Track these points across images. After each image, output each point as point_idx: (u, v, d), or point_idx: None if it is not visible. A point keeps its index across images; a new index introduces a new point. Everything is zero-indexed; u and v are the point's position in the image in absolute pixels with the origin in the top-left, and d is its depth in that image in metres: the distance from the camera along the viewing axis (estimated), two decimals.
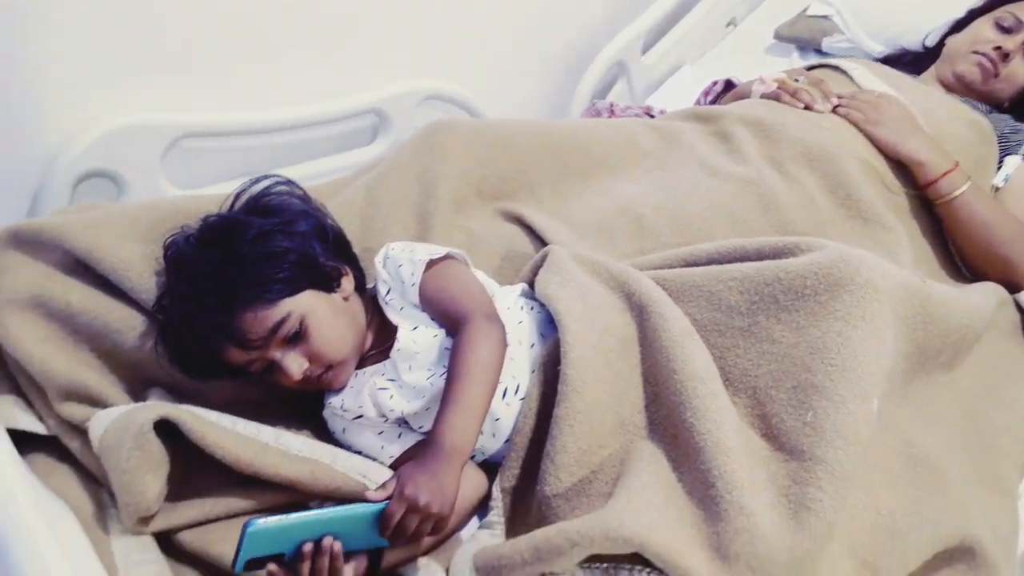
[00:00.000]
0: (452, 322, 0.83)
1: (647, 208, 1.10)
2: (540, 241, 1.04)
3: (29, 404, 0.83)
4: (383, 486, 0.72)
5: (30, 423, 0.81)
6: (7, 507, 0.53)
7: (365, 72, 1.39)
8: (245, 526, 0.63)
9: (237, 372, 0.83)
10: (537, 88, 1.77)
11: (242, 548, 0.64)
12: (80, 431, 0.79)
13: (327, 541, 0.67)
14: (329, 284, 0.86)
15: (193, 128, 1.16)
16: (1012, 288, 1.18)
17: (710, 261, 0.88)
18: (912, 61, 1.57)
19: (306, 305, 0.81)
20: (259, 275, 0.80)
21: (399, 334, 0.85)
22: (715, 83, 1.55)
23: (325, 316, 0.83)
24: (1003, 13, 1.41)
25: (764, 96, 1.34)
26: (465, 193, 1.10)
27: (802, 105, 1.28)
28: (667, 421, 0.76)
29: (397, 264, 0.88)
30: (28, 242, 0.86)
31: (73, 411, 0.80)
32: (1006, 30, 1.40)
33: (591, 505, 0.72)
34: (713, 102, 1.53)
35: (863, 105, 1.26)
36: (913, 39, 1.62)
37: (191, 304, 0.80)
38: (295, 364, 0.81)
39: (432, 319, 0.86)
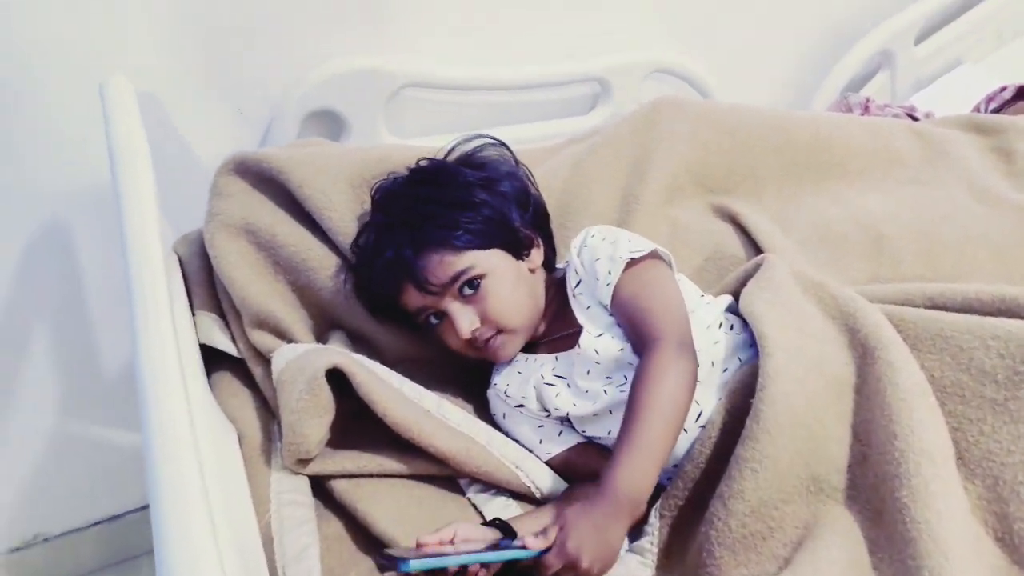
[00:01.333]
0: (641, 339, 0.74)
1: (891, 227, 0.94)
2: (754, 246, 0.93)
3: (227, 325, 0.88)
4: (544, 532, 0.65)
5: (225, 343, 0.86)
6: (175, 425, 0.54)
7: (592, 37, 1.32)
8: (399, 565, 0.60)
9: (410, 318, 0.83)
10: (782, 72, 1.59)
11: None
12: (265, 360, 0.83)
13: (474, 569, 0.64)
14: (519, 250, 0.84)
15: (418, 78, 1.17)
16: None
17: (966, 307, 0.72)
18: None
19: (491, 263, 0.80)
20: (452, 220, 0.79)
21: (582, 338, 0.78)
22: (1004, 88, 1.31)
23: (507, 279, 0.80)
24: None
25: None
26: (680, 180, 1.00)
27: None
28: (873, 492, 0.63)
29: (594, 257, 0.80)
30: (251, 170, 0.90)
31: (263, 339, 0.84)
32: None
33: (761, 567, 0.63)
34: (998, 110, 1.29)
35: None
36: None
37: (383, 236, 0.81)
38: (466, 320, 0.78)
39: (619, 327, 0.78)
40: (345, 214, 0.87)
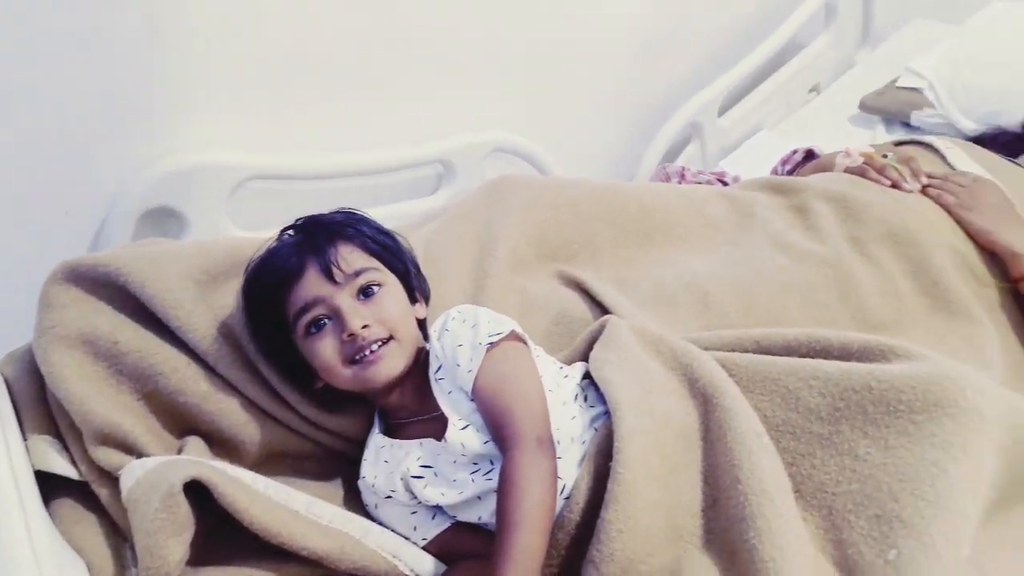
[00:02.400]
0: (501, 437, 0.76)
1: (714, 285, 1.04)
2: (598, 308, 1.00)
3: (65, 447, 0.82)
4: None
5: (64, 467, 0.80)
6: (18, 565, 0.50)
7: (434, 121, 1.38)
8: None
9: (286, 332, 0.82)
10: (608, 145, 1.73)
11: None
12: (112, 479, 0.77)
13: None
14: (412, 295, 0.89)
15: (262, 170, 1.16)
16: None
17: (787, 350, 0.81)
18: (1009, 143, 1.49)
19: (390, 280, 0.85)
20: (369, 230, 0.88)
21: (448, 432, 0.79)
22: (795, 151, 1.49)
23: (399, 301, 0.85)
24: None
25: (848, 170, 1.28)
26: (524, 252, 1.06)
27: (889, 183, 1.21)
28: (725, 535, 0.69)
29: (456, 343, 0.83)
30: (85, 276, 0.85)
31: (108, 456, 0.78)
32: None
33: None
34: (791, 172, 1.47)
35: (956, 188, 1.18)
36: (1012, 119, 1.53)
37: (291, 238, 0.85)
38: (357, 317, 0.80)
39: (480, 415, 0.80)
40: (193, 312, 0.84)
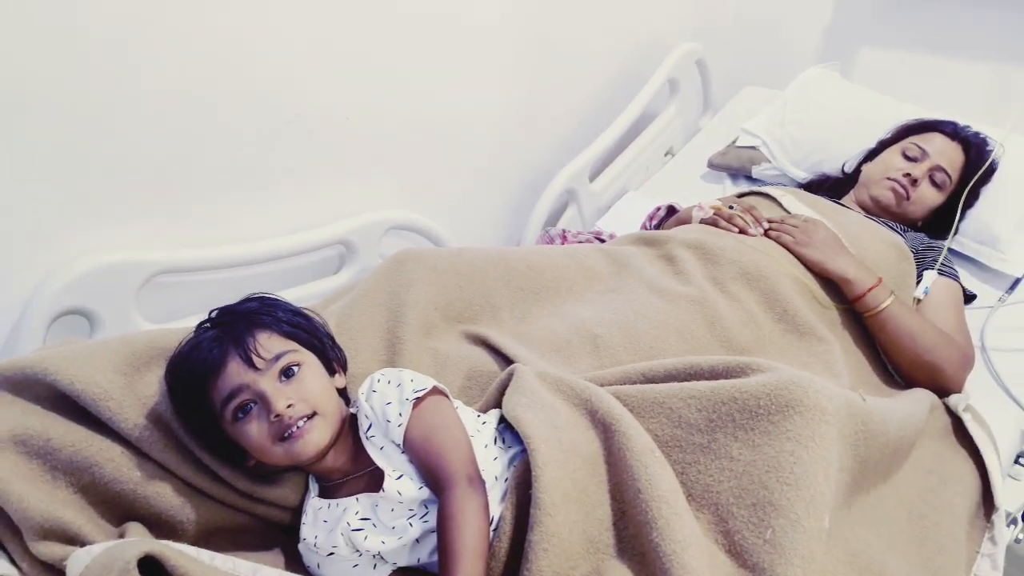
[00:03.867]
0: (435, 480, 0.84)
1: (601, 328, 1.17)
2: (504, 360, 1.10)
3: (2, 547, 0.82)
4: None
5: (3, 567, 0.80)
6: None
7: (332, 205, 1.48)
8: None
9: (213, 419, 0.87)
10: (495, 215, 1.88)
11: None
12: (56, 572, 0.79)
13: None
14: (330, 368, 0.95)
15: (168, 265, 1.21)
16: (941, 392, 1.27)
17: (668, 377, 0.95)
18: (833, 186, 1.74)
19: (309, 359, 0.91)
20: (284, 314, 0.93)
21: (386, 483, 0.86)
22: (659, 208, 1.68)
23: (320, 375, 0.91)
24: (909, 144, 1.59)
25: (703, 221, 1.46)
26: (431, 317, 1.16)
27: (737, 230, 1.40)
28: (635, 540, 0.79)
29: (385, 401, 0.91)
30: (10, 379, 0.88)
31: (50, 550, 0.80)
32: (912, 159, 1.57)
33: None
34: (658, 226, 1.65)
35: (792, 229, 1.38)
36: (833, 166, 1.79)
37: (209, 330, 0.89)
38: (282, 398, 0.85)
39: (412, 464, 0.88)
40: (122, 402, 0.88)
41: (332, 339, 1.00)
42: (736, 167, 1.96)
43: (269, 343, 0.88)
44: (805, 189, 1.79)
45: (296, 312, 0.96)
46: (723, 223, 1.43)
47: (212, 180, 1.29)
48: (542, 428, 0.85)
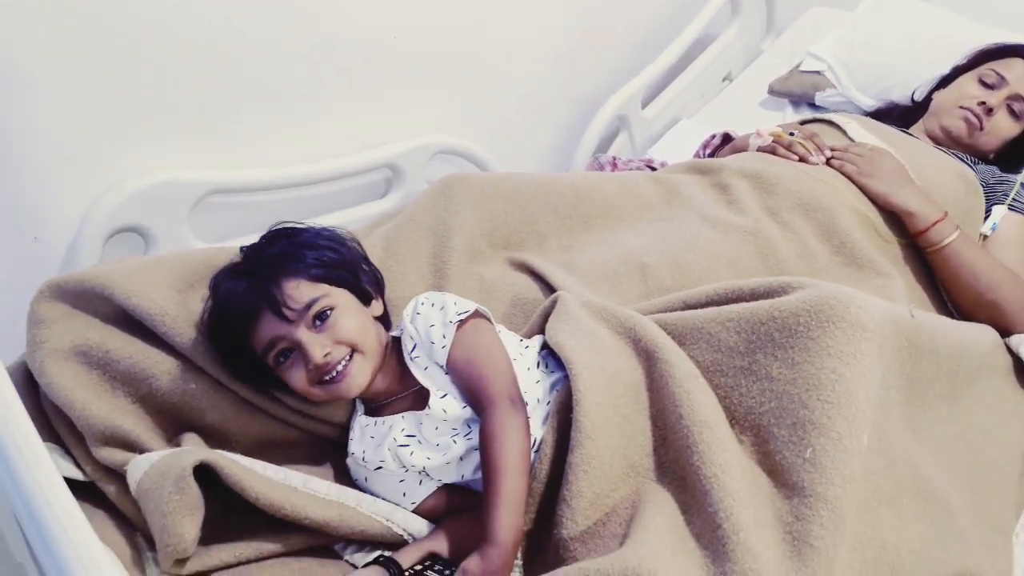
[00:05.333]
0: (478, 401, 0.85)
1: (650, 258, 1.15)
2: (548, 288, 1.09)
3: (67, 451, 0.87)
4: None
5: (69, 469, 0.85)
6: (81, 552, 0.56)
7: (379, 128, 1.46)
8: None
9: (259, 365, 0.87)
10: (543, 141, 1.84)
11: None
12: (117, 476, 0.83)
13: None
14: (364, 297, 0.94)
15: (219, 185, 1.22)
16: (1003, 332, 1.23)
17: (709, 303, 0.93)
18: (902, 114, 1.65)
19: (341, 297, 0.89)
20: (307, 256, 0.89)
21: (431, 400, 0.88)
22: (713, 136, 1.62)
23: (355, 311, 0.90)
24: (986, 71, 1.49)
25: (761, 149, 1.41)
26: (477, 243, 1.15)
27: (796, 158, 1.35)
28: (675, 464, 0.79)
29: (428, 323, 0.91)
30: (71, 292, 0.91)
31: (111, 455, 0.84)
32: (989, 87, 1.47)
33: (606, 547, 0.75)
34: (712, 154, 1.60)
35: (856, 158, 1.32)
36: (902, 93, 1.70)
37: (241, 276, 0.88)
38: (318, 347, 0.85)
39: (455, 385, 0.89)
40: (177, 317, 0.90)
41: (367, 264, 0.98)
42: (799, 93, 1.87)
43: (298, 292, 0.86)
44: (871, 117, 1.70)
45: (324, 246, 0.92)
46: (782, 151, 1.37)
47: (261, 102, 1.29)
48: (584, 354, 0.85)
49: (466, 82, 1.61)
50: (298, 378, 0.87)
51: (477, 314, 0.93)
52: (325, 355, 0.85)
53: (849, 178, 1.30)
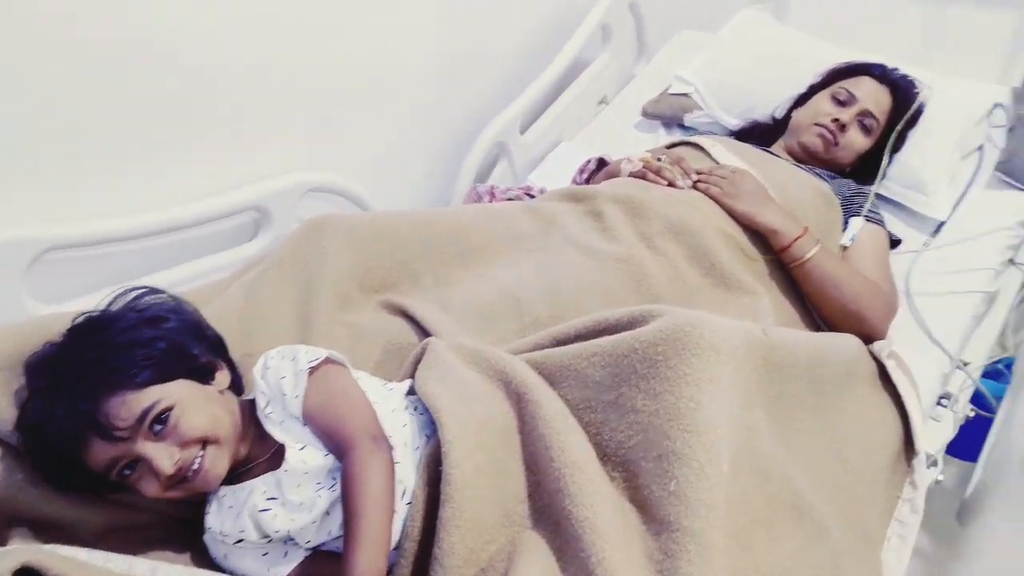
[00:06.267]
0: (338, 445, 0.82)
1: (525, 292, 1.14)
2: (422, 332, 1.06)
3: None
4: None
5: None
6: None
7: (245, 168, 1.40)
8: None
9: (101, 481, 0.79)
10: (422, 173, 1.81)
11: None
12: None
13: None
14: (204, 376, 0.86)
15: (59, 240, 1.13)
16: (867, 340, 1.28)
17: (577, 337, 0.92)
18: (764, 132, 1.72)
19: (177, 393, 0.80)
20: (126, 360, 0.78)
21: (288, 454, 0.83)
22: (588, 162, 1.64)
23: (198, 402, 0.81)
24: (838, 89, 1.57)
25: (632, 174, 1.43)
26: (347, 288, 1.11)
27: (666, 182, 1.38)
28: (549, 509, 0.78)
29: (279, 376, 0.87)
30: None
31: None
32: (841, 104, 1.56)
33: None
34: (588, 180, 1.62)
35: (720, 180, 1.36)
36: (764, 112, 1.77)
37: (53, 396, 0.77)
38: (166, 457, 0.77)
39: (315, 435, 0.85)
40: (1, 400, 0.82)
41: (205, 330, 0.90)
42: (669, 115, 1.93)
43: (126, 408, 0.77)
44: (736, 137, 1.77)
45: (148, 338, 0.82)
46: (651, 176, 1.40)
47: (107, 143, 1.19)
48: (453, 402, 0.82)
49: (338, 116, 1.56)
50: (150, 488, 0.79)
51: (329, 360, 0.89)
52: (176, 463, 0.78)
53: (714, 200, 1.34)
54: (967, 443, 1.49)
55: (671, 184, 1.37)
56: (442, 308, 1.13)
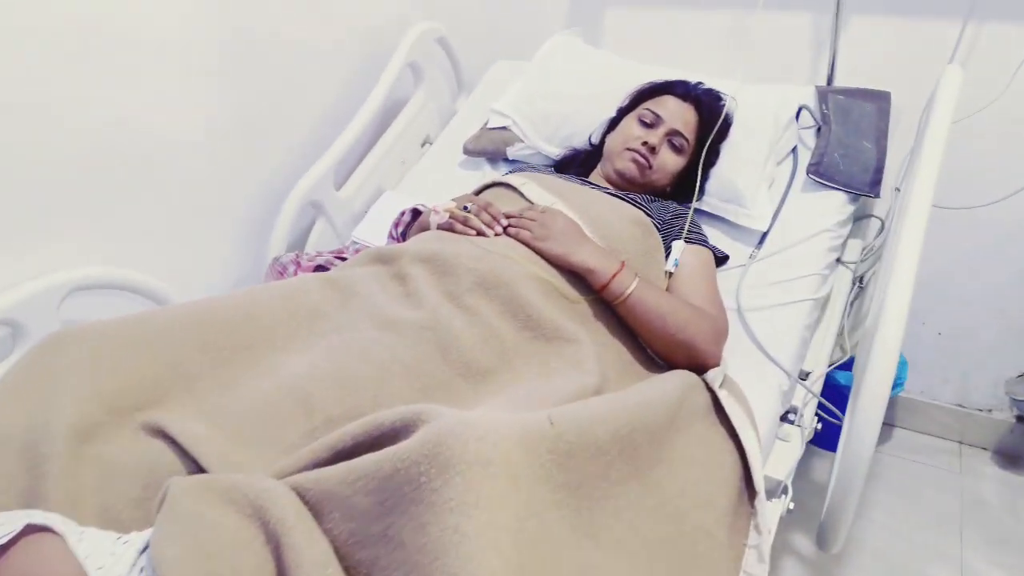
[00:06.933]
0: None
1: (315, 385, 1.00)
2: (186, 456, 0.91)
3: None
4: None
5: None
6: None
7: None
8: None
9: None
10: (226, 249, 1.64)
11: None
12: None
13: None
14: None
15: None
16: (701, 368, 1.22)
17: (355, 447, 0.79)
18: (584, 161, 1.66)
19: None
20: None
21: None
22: (403, 213, 1.53)
23: None
24: (643, 111, 1.53)
25: (440, 227, 1.33)
26: (93, 415, 0.93)
27: (474, 232, 1.28)
28: None
29: None
30: None
31: None
32: (648, 126, 1.52)
33: None
34: (404, 232, 1.50)
35: (529, 223, 1.28)
36: (582, 140, 1.71)
37: None
38: None
39: None
40: None
41: None
42: (492, 151, 1.84)
43: None
44: (557, 167, 1.71)
45: None
46: (459, 227, 1.30)
47: None
48: (189, 566, 0.68)
49: (115, 199, 1.38)
50: None
51: (28, 531, 0.73)
52: None
53: (526, 244, 1.25)
54: (830, 433, 1.44)
55: (480, 233, 1.28)
56: (219, 416, 0.97)
